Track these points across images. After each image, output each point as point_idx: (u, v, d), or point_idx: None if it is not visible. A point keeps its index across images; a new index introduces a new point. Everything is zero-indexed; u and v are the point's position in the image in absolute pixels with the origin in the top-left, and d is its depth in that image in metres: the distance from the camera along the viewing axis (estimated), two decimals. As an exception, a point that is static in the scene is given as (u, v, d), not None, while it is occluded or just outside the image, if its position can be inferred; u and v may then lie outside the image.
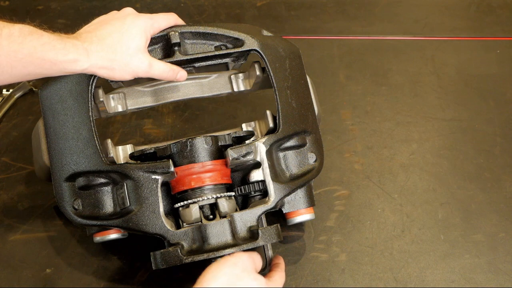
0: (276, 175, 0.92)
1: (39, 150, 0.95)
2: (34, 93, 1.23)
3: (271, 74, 0.95)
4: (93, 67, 0.87)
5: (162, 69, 0.92)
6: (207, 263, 0.84)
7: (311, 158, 0.96)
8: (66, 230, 1.02)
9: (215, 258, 0.88)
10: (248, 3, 1.46)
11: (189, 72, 0.97)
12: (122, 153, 0.99)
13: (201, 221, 0.89)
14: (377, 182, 1.10)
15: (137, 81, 1.00)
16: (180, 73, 0.94)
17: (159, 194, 0.88)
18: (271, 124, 0.96)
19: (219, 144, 0.91)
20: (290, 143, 0.95)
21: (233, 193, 0.92)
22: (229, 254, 0.83)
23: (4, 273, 0.97)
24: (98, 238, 0.94)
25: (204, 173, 0.90)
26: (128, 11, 0.93)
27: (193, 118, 1.20)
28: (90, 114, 0.91)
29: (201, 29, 0.96)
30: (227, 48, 0.97)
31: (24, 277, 0.97)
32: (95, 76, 0.90)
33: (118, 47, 0.87)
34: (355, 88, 1.26)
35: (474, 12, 1.44)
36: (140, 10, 0.95)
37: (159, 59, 0.93)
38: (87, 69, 0.87)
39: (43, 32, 0.85)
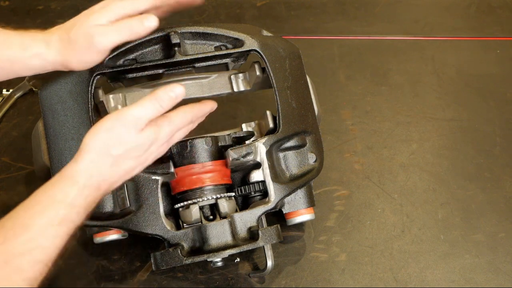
0: (276, 175, 0.92)
1: (39, 150, 0.95)
2: (34, 93, 1.23)
3: (271, 74, 0.95)
4: (58, 56, 0.80)
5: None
6: (207, 263, 0.84)
7: (311, 158, 0.96)
8: (66, 230, 1.02)
9: (215, 259, 0.88)
10: (248, 3, 1.45)
11: (189, 72, 0.97)
12: (122, 153, 0.99)
13: (201, 222, 0.89)
14: (377, 182, 1.10)
15: (137, 81, 1.00)
16: (149, 18, 0.81)
17: (159, 194, 0.87)
18: (271, 124, 0.96)
19: (219, 144, 0.91)
20: (290, 143, 0.95)
21: (233, 194, 0.92)
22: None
23: (4, 273, 0.97)
24: (98, 238, 0.93)
25: (204, 173, 0.90)
26: None
27: (193, 118, 1.19)
28: (90, 114, 0.91)
29: (201, 29, 0.95)
30: (227, 48, 0.96)
31: (24, 277, 0.96)
32: (95, 76, 0.90)
33: (77, 22, 0.80)
34: (355, 88, 1.26)
35: (474, 12, 1.44)
36: (140, 10, 0.94)
37: (159, 59, 0.92)
38: (56, 61, 0.80)
39: None
